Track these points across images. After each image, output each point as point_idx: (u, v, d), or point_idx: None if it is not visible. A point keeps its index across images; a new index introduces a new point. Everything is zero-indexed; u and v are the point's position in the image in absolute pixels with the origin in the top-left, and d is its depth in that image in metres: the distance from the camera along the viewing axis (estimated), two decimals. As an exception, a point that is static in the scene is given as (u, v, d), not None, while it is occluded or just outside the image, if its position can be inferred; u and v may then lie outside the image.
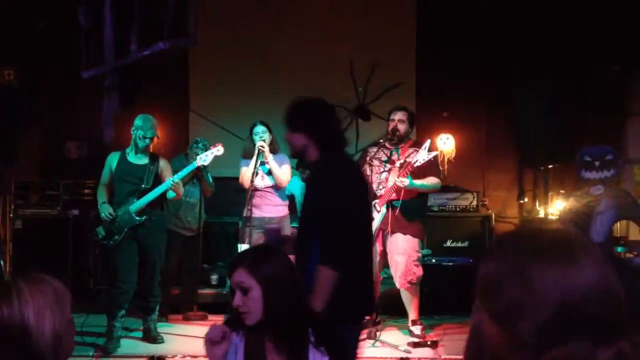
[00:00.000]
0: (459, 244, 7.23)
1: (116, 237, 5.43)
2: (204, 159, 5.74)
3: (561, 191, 7.03)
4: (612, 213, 4.75)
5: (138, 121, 5.51)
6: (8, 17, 7.20)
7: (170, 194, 5.57)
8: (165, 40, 2.56)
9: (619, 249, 5.31)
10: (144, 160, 5.60)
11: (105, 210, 5.44)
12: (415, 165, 5.26)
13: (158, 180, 5.56)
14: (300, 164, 7.51)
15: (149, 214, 5.48)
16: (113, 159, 5.62)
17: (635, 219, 4.91)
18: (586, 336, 1.06)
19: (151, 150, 5.71)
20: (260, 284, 2.23)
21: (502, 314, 1.11)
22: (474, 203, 7.38)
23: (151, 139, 5.55)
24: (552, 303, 1.06)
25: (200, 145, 6.28)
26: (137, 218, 5.43)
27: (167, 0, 2.62)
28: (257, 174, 5.88)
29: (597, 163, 4.85)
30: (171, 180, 5.47)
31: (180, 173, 5.59)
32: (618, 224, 5.63)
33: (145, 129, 5.48)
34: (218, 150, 5.82)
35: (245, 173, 5.95)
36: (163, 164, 5.69)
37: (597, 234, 4.78)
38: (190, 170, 5.74)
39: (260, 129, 5.97)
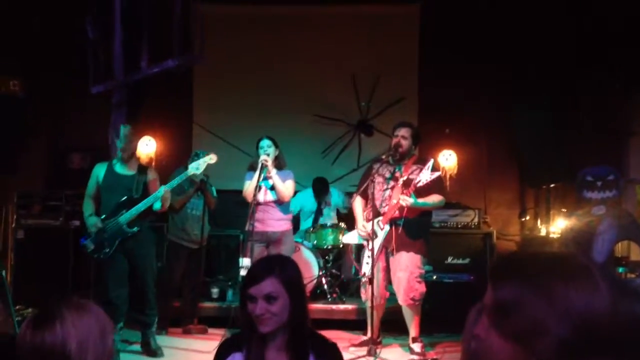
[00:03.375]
0: (460, 261, 7.22)
1: (107, 250, 5.35)
2: (196, 167, 5.64)
3: (563, 210, 7.04)
4: (613, 233, 4.76)
5: (117, 134, 5.48)
6: (16, 29, 7.24)
7: (157, 205, 5.44)
8: (175, 58, 2.58)
9: (620, 270, 5.30)
10: (131, 170, 5.54)
11: (94, 223, 5.39)
12: (418, 185, 5.26)
13: (147, 190, 5.48)
14: (315, 187, 7.55)
15: (139, 225, 5.41)
16: (100, 170, 5.56)
17: (637, 240, 4.92)
18: (608, 356, 1.10)
19: (147, 160, 5.67)
20: (288, 292, 2.34)
21: (523, 333, 1.14)
22: (476, 220, 7.38)
23: (125, 149, 5.46)
24: (575, 323, 1.10)
25: (200, 156, 6.26)
26: (129, 229, 5.36)
27: (173, 18, 2.65)
28: (259, 188, 5.87)
29: (599, 183, 4.86)
30: (163, 189, 5.37)
31: (171, 182, 5.51)
32: (619, 244, 5.62)
33: (121, 140, 5.43)
34: (211, 158, 5.72)
35: (248, 187, 5.95)
36: (151, 174, 5.62)
37: (599, 254, 4.79)
38: (183, 180, 5.64)
39: (265, 143, 5.96)
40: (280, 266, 2.41)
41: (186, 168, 6.36)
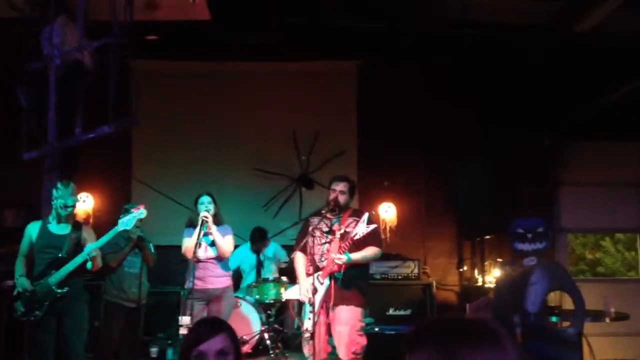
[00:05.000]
0: (402, 312, 7.29)
1: (37, 313, 5.14)
2: (126, 222, 5.44)
3: (498, 260, 7.21)
4: (545, 284, 4.89)
5: (57, 191, 5.28)
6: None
7: (88, 265, 5.26)
8: (110, 124, 2.60)
9: (553, 319, 5.44)
10: (66, 229, 5.37)
11: (22, 285, 5.19)
12: (355, 238, 5.31)
13: (80, 249, 5.28)
14: (254, 235, 7.55)
15: (70, 285, 5.20)
16: (33, 229, 5.37)
17: (567, 290, 5.06)
18: None
19: (84, 216, 5.51)
20: (235, 349, 2.37)
21: None
22: (416, 271, 7.49)
23: (73, 206, 5.37)
24: None
25: (130, 211, 6.07)
26: (58, 290, 5.16)
27: (109, 83, 2.68)
28: (200, 245, 5.84)
29: (529, 235, 5.01)
30: (89, 248, 5.22)
31: (99, 241, 5.33)
32: (552, 294, 5.79)
33: (65, 197, 5.26)
34: (141, 213, 5.51)
35: (188, 244, 5.91)
36: (86, 233, 5.46)
37: (532, 304, 4.91)
38: (113, 236, 5.44)
39: (205, 199, 5.96)
40: (227, 325, 2.46)
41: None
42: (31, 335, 5.37)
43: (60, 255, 5.25)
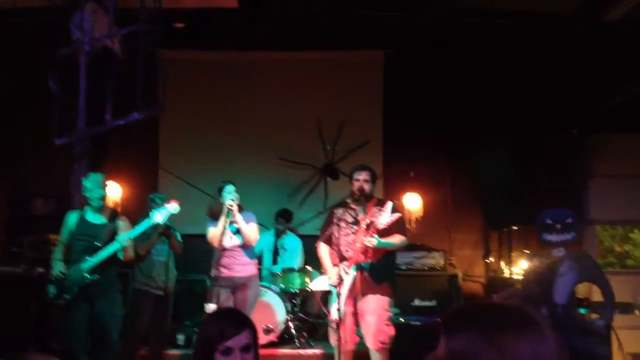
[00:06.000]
0: (427, 303, 7.25)
1: (66, 296, 5.24)
2: (161, 217, 5.51)
3: (525, 251, 7.15)
4: (573, 275, 4.84)
5: (86, 183, 5.42)
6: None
7: (120, 255, 5.38)
8: (140, 111, 2.61)
9: (582, 311, 5.38)
10: (102, 219, 5.50)
11: (57, 268, 5.30)
12: (379, 228, 5.29)
13: (114, 238, 5.38)
14: (278, 215, 7.59)
15: (101, 273, 5.29)
16: (72, 218, 5.50)
17: (596, 281, 5.00)
18: None
19: (112, 205, 5.59)
20: (255, 343, 2.48)
21: None
22: (441, 262, 7.45)
23: (103, 197, 5.48)
24: None
25: (157, 201, 6.11)
26: (89, 276, 5.25)
27: (137, 71, 2.69)
28: (225, 233, 5.88)
29: (558, 226, 4.96)
30: (122, 239, 5.31)
31: (131, 232, 5.42)
32: (581, 286, 5.72)
33: (93, 189, 5.41)
34: (174, 208, 5.59)
35: (214, 232, 5.95)
36: (122, 222, 5.56)
37: (560, 296, 4.86)
38: (145, 229, 5.53)
39: (231, 188, 6.00)
40: (250, 320, 2.53)
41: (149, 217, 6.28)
42: (62, 318, 5.47)
43: (95, 243, 5.35)
